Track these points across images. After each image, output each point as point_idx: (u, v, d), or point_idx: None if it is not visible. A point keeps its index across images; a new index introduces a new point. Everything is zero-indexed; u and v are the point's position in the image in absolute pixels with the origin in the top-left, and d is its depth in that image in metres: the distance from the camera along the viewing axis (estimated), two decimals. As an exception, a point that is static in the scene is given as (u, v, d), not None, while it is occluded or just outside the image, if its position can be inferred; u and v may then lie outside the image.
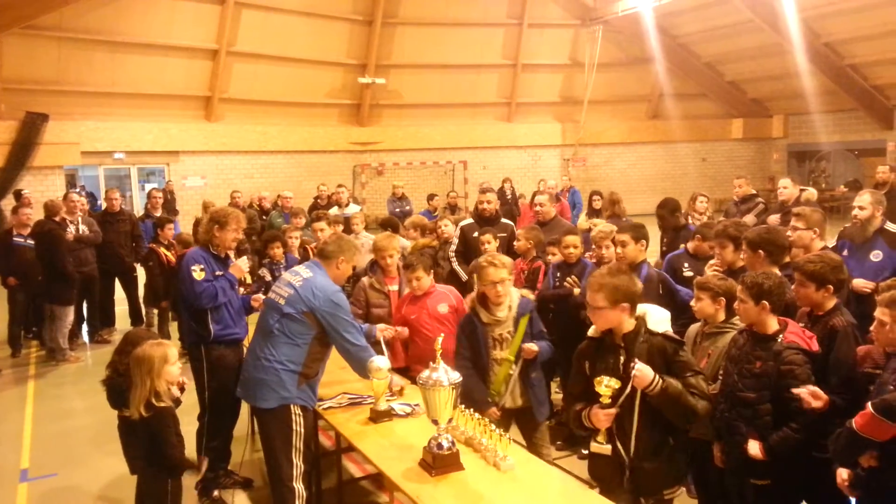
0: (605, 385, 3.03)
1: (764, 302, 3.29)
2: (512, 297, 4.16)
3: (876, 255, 4.70)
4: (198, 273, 4.48)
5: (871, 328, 3.14)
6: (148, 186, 15.67)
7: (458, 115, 20.60)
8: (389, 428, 3.77)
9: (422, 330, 4.66)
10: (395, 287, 5.09)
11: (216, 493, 4.56)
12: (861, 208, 4.92)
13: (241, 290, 5.22)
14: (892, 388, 2.78)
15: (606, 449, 3.12)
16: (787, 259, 4.41)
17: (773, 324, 3.33)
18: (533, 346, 4.07)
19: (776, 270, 3.83)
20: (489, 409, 4.03)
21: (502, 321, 4.13)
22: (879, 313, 3.04)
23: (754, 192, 8.48)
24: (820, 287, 3.45)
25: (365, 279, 5.20)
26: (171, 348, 3.60)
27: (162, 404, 3.48)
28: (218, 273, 4.60)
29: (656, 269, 4.85)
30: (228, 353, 4.60)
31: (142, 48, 16.30)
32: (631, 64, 21.14)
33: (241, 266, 4.82)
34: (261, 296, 4.90)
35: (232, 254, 4.90)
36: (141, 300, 9.38)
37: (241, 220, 4.75)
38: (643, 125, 22.35)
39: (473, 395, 4.01)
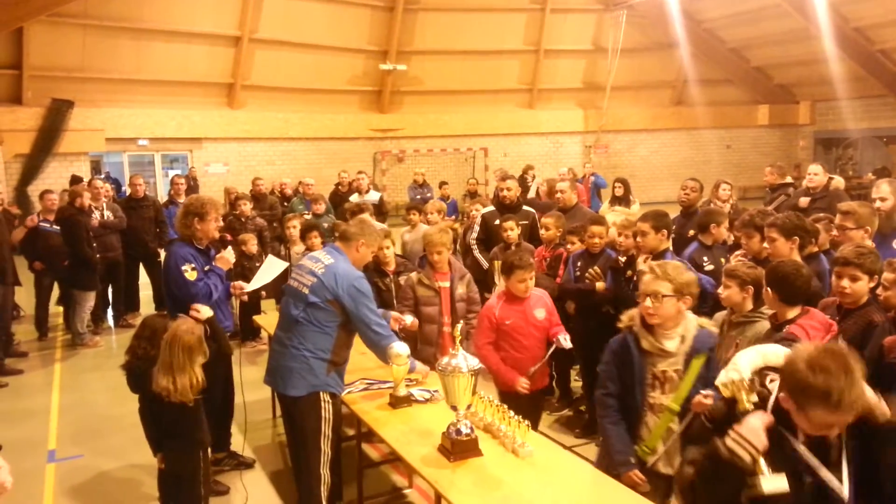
0: (732, 382, 2.24)
1: (767, 290, 3.29)
2: (687, 327, 3.17)
3: (898, 247, 4.61)
4: (189, 273, 4.37)
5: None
6: (171, 173, 15.85)
7: (479, 101, 20.49)
8: (409, 414, 3.79)
9: (518, 338, 4.28)
10: (446, 283, 4.86)
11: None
12: (882, 199, 4.83)
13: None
14: None
15: (782, 483, 2.02)
16: (815, 249, 4.36)
17: (788, 313, 3.29)
18: (706, 397, 2.79)
19: (798, 258, 3.78)
20: (630, 472, 3.12)
21: (670, 354, 3.14)
22: None
23: (788, 180, 8.36)
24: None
25: (413, 275, 4.95)
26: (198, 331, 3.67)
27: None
28: (206, 268, 4.52)
29: (680, 258, 4.80)
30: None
31: (165, 35, 16.40)
32: (655, 49, 20.86)
33: (228, 257, 4.71)
34: (241, 283, 4.91)
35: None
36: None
37: (219, 207, 4.68)
38: (667, 111, 22.09)
39: (613, 446, 3.19)
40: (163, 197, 13.97)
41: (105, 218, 8.52)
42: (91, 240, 7.97)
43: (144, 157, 18.31)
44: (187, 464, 3.67)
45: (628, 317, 3.25)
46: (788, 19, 17.78)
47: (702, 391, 2.86)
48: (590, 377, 5.25)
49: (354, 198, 10.33)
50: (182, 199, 9.95)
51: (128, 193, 9.69)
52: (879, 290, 3.35)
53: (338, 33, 18.25)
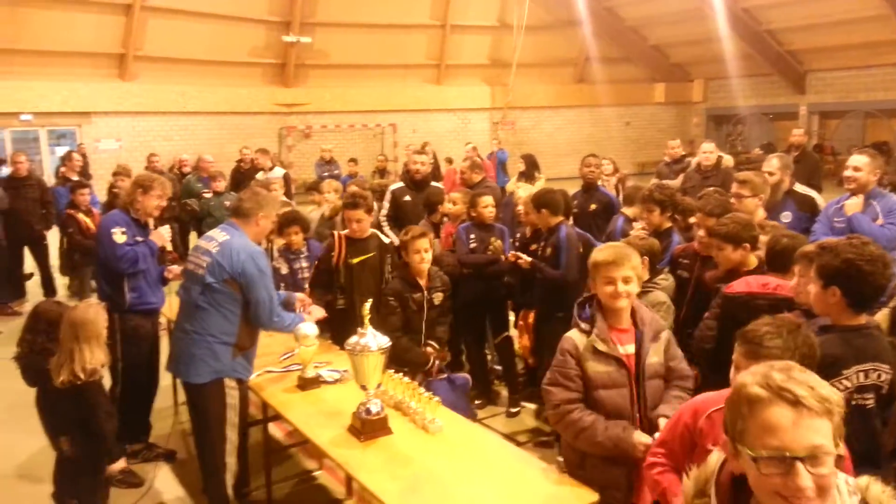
0: None
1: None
2: None
3: (786, 217, 4.91)
4: (118, 236, 4.35)
5: (791, 286, 3.28)
6: (59, 150, 14.88)
7: (387, 76, 20.25)
8: (318, 395, 3.73)
9: None
10: (631, 348, 2.78)
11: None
12: (770, 174, 5.11)
13: (170, 259, 5.05)
14: None
15: None
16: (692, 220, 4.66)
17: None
18: None
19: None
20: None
21: None
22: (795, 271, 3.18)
23: (685, 153, 8.81)
24: (737, 247, 3.62)
25: (577, 335, 2.80)
26: (103, 311, 3.53)
27: (95, 373, 3.40)
28: (139, 239, 4.47)
29: (576, 229, 4.95)
30: (145, 322, 4.52)
31: (47, 2, 15.23)
32: (558, 27, 21.20)
33: (163, 234, 4.70)
34: (175, 267, 4.75)
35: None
36: (56, 269, 8.96)
37: (166, 186, 4.63)
38: (570, 89, 22.56)
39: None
40: (49, 176, 13.13)
41: (-17, 198, 7.90)
42: None
43: (29, 134, 17.09)
44: (90, 451, 3.50)
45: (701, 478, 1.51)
46: (683, -1, 18.48)
47: None
48: (480, 344, 5.61)
49: (260, 175, 10.04)
50: (75, 177, 9.37)
51: (9, 172, 8.97)
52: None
53: (237, 2, 17.50)
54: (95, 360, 3.40)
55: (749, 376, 1.39)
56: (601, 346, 2.73)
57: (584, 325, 2.80)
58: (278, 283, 4.91)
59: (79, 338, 3.37)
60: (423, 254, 4.13)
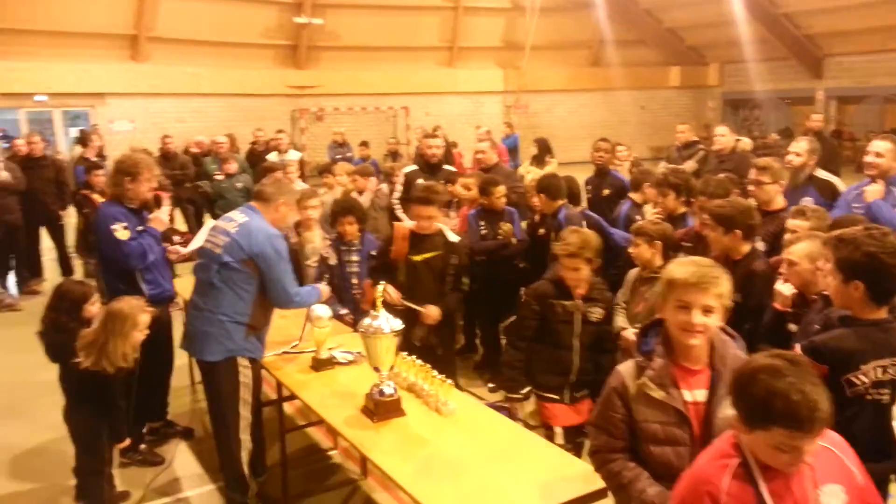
0: None
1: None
2: None
3: (807, 201, 4.86)
4: (121, 233, 4.21)
5: (783, 270, 3.24)
6: (73, 130, 14.93)
7: (398, 59, 20.15)
8: (331, 376, 3.76)
9: None
10: (701, 394, 2.19)
11: (143, 446, 4.49)
12: (797, 155, 5.04)
13: (177, 238, 5.04)
14: (817, 327, 2.87)
15: None
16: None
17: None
18: None
19: None
20: None
21: None
22: (786, 254, 3.15)
23: (696, 139, 8.71)
24: (728, 231, 3.58)
25: (627, 366, 2.30)
26: (147, 316, 3.63)
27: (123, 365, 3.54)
28: (139, 228, 4.36)
29: (583, 212, 4.96)
30: (163, 310, 4.50)
31: (60, -18, 15.29)
32: (572, 9, 20.99)
33: (162, 217, 4.60)
34: (179, 248, 4.73)
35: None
36: (72, 249, 9.04)
37: (152, 167, 4.47)
38: (584, 72, 22.37)
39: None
40: (64, 155, 13.19)
41: (2, 178, 7.94)
42: None
43: (44, 115, 17.18)
44: (90, 432, 3.62)
45: None
46: (699, -19, 18.26)
47: None
48: (493, 327, 5.72)
49: (273, 157, 10.05)
50: (94, 157, 9.44)
51: (24, 152, 8.99)
52: (783, 269, 3.29)
53: (248, -17, 17.49)
54: (123, 356, 3.51)
55: None
56: (655, 393, 2.15)
57: (640, 359, 2.23)
58: (324, 274, 4.80)
59: (114, 331, 3.47)
60: (573, 272, 3.59)
